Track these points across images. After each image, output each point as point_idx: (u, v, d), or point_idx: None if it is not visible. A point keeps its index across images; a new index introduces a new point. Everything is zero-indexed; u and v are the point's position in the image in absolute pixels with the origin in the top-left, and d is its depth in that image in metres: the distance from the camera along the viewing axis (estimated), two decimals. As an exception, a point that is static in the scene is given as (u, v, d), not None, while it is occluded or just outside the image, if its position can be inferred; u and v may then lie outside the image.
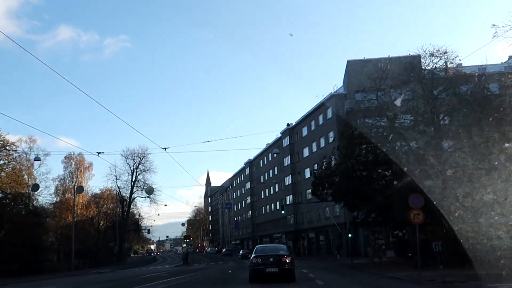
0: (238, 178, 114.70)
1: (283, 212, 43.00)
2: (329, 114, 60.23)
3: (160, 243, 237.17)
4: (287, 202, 74.70)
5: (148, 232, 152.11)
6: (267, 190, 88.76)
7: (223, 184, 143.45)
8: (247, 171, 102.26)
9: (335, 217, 56.68)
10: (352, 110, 39.74)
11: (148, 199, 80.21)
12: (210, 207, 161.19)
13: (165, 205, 75.89)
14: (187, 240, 53.47)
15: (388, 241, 51.33)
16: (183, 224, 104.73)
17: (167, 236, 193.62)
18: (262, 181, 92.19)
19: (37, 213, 56.20)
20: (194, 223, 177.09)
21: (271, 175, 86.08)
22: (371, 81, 28.05)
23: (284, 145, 76.19)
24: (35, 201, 66.87)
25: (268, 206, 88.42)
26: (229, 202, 61.20)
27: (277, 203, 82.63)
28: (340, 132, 40.48)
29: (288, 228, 74.45)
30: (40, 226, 49.97)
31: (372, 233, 51.96)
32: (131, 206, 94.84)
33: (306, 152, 68.35)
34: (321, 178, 35.89)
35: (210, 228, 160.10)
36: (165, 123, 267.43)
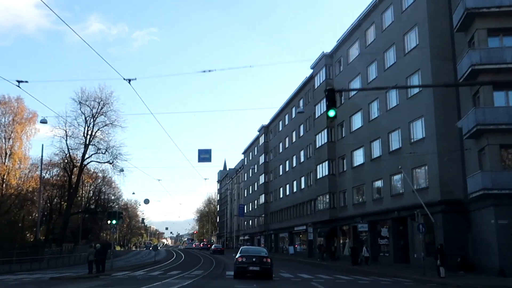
0: (250, 154, 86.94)
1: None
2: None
3: (178, 238, 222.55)
4: (319, 175, 46.53)
5: (143, 221, 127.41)
6: (287, 162, 60.61)
7: (236, 166, 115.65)
8: (261, 140, 74.30)
9: (419, 191, 28.19)
10: None
11: (109, 165, 53.91)
12: (219, 196, 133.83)
13: (121, 170, 47.41)
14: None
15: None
16: (146, 202, 75.95)
17: (169, 231, 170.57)
18: (280, 150, 64.07)
19: None
20: (204, 216, 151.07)
21: (294, 139, 57.94)
22: None
23: (318, 83, 47.86)
24: None
25: (288, 186, 60.27)
26: (206, 153, 35.46)
27: (302, 179, 54.49)
28: None
29: (319, 217, 46.27)
30: None
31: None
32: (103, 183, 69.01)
33: (355, 84, 39.91)
34: None
35: (218, 220, 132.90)
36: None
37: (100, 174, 67.86)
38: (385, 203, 34.06)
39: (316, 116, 47.41)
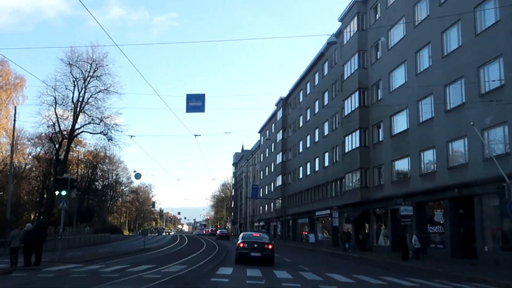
0: (267, 132, 78.97)
1: None
2: None
3: (195, 224, 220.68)
4: (348, 148, 38.44)
5: (153, 205, 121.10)
6: (308, 137, 52.56)
7: (252, 148, 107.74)
8: (279, 115, 66.28)
9: (498, 157, 19.78)
10: None
11: (103, 137, 46.88)
12: (234, 179, 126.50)
13: (110, 139, 40.31)
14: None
15: None
16: (137, 177, 68.14)
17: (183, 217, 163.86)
18: (301, 124, 55.98)
19: None
20: (220, 201, 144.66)
21: (316, 110, 49.80)
22: None
23: (347, 37, 39.45)
24: None
25: (309, 164, 52.23)
26: (197, 100, 29.53)
27: (326, 156, 46.46)
28: None
29: (347, 199, 38.23)
30: None
31: None
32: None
33: (397, 31, 31.43)
34: None
35: (233, 205, 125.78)
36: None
37: (106, 153, 61.30)
38: (438, 178, 25.85)
39: (345, 77, 39.15)
